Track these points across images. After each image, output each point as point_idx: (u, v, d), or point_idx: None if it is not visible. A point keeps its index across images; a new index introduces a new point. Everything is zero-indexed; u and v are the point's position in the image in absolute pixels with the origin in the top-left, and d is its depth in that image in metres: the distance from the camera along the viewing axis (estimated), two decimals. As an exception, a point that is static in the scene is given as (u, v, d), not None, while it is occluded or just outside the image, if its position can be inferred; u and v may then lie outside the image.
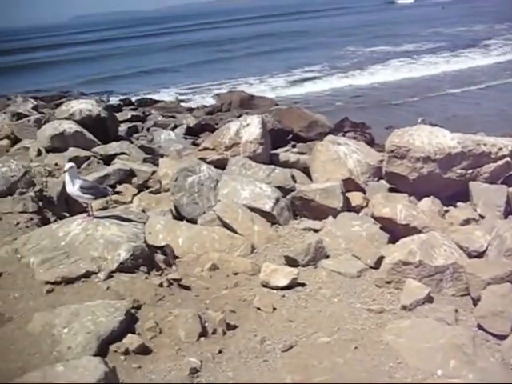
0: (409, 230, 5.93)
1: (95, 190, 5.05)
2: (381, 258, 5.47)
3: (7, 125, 10.99)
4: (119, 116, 14.09)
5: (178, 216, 6.96)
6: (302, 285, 5.20)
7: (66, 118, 10.05)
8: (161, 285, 4.63)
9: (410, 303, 4.65)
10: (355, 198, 7.41)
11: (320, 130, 13.19)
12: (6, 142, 10.52)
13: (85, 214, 5.23)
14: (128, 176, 8.37)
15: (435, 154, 6.87)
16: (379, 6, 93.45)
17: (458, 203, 6.90)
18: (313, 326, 4.44)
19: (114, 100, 21.91)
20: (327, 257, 5.81)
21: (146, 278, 4.70)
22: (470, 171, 6.96)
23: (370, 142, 12.45)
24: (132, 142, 10.83)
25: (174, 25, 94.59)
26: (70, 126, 9.62)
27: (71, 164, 5.10)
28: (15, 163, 7.18)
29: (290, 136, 12.75)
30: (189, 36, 64.87)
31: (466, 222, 6.31)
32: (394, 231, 6.14)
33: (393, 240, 6.00)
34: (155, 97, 23.43)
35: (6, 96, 18.56)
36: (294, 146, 11.91)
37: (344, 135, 13.43)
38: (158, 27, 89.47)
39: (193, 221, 6.78)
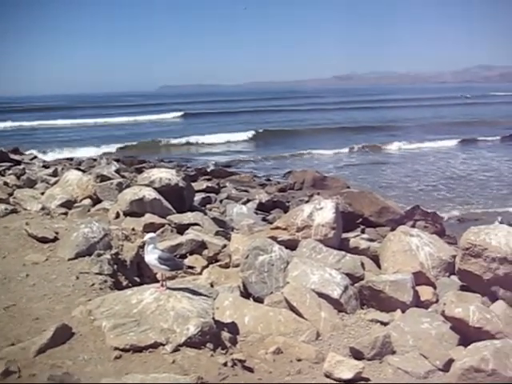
0: (481, 334, 5.66)
1: (172, 262, 5.21)
2: (450, 361, 5.23)
3: (91, 185, 11.59)
4: (195, 185, 14.52)
5: (245, 293, 7.01)
6: (366, 379, 5.02)
7: (146, 185, 10.48)
8: (225, 364, 4.60)
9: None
10: (425, 292, 7.27)
11: (390, 216, 13.16)
12: (88, 201, 11.12)
13: (158, 284, 5.36)
14: (199, 247, 8.56)
15: (513, 255, 6.68)
16: None
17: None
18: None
19: (191, 169, 22.66)
20: (393, 352, 5.65)
21: (212, 355, 4.68)
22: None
23: (441, 233, 12.30)
24: (206, 214, 11.11)
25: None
26: (150, 193, 10.04)
27: (153, 235, 5.32)
28: (96, 225, 7.50)
29: (360, 220, 12.76)
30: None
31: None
32: (465, 333, 5.87)
33: (463, 342, 5.74)
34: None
35: (92, 158, 19.77)
36: (363, 231, 11.88)
37: (414, 224, 13.29)
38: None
39: (259, 300, 6.81)
